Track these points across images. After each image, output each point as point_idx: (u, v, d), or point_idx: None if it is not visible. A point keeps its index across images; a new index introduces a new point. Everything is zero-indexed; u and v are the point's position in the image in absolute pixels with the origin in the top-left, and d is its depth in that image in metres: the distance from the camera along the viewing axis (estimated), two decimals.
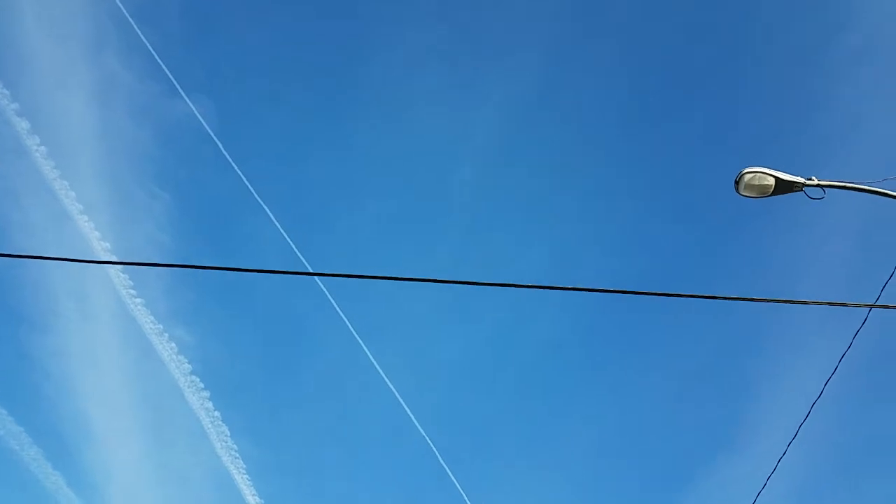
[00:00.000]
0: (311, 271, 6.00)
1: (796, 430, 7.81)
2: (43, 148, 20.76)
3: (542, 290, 4.45)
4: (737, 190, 6.57)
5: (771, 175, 6.46)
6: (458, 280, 4.86)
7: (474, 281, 4.79)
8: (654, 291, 4.50)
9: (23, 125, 20.39)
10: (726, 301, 4.79)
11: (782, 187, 6.51)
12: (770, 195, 6.54)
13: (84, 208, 21.88)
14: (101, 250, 22.20)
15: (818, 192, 6.53)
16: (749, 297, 4.95)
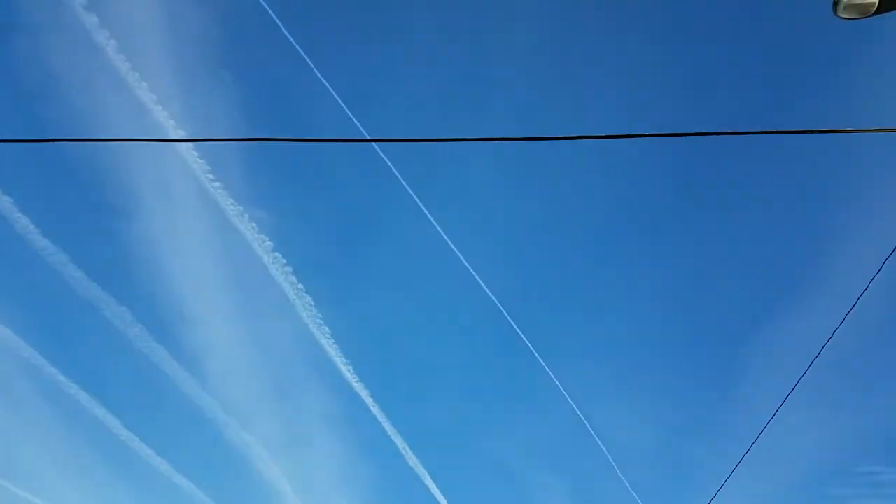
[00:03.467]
0: (371, 138, 5.99)
1: (875, 272, 7.52)
2: (113, 42, 21.09)
3: (608, 140, 4.31)
4: (835, 12, 5.98)
5: None
6: (517, 137, 4.74)
7: (534, 137, 4.66)
8: (731, 131, 4.28)
9: (92, 20, 20.66)
10: (811, 136, 4.50)
11: (887, 4, 5.87)
12: (873, 14, 5.93)
13: (158, 99, 22.39)
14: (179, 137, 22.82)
15: None
16: (836, 128, 4.62)
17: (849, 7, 5.92)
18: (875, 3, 5.87)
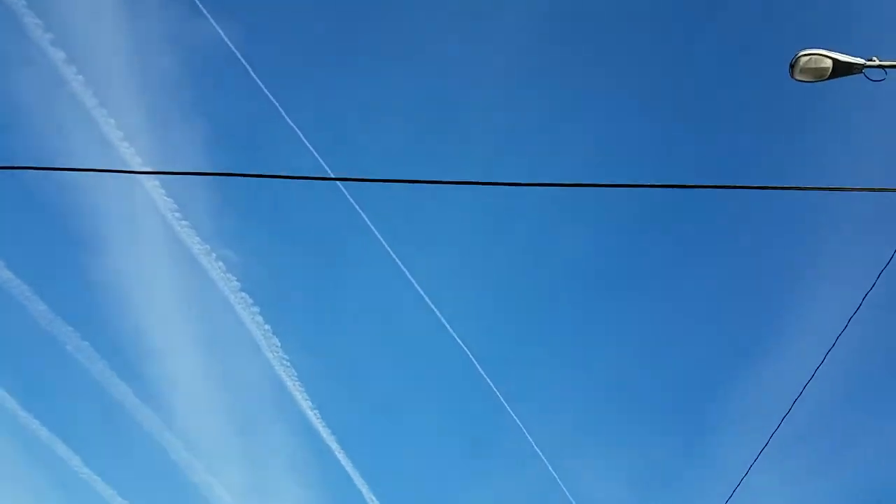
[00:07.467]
0: (336, 176, 5.97)
1: (840, 331, 7.62)
2: (80, 77, 20.98)
3: (578, 188, 4.33)
4: (791, 75, 6.21)
5: (828, 57, 6.07)
6: (489, 182, 4.75)
7: (504, 182, 4.68)
8: (699, 184, 4.35)
9: (59, 55, 20.56)
10: (776, 192, 4.59)
11: (840, 70, 6.11)
12: (827, 79, 6.17)
13: (124, 136, 22.27)
14: (145, 177, 22.61)
15: (879, 74, 6.13)
16: (798, 185, 4.74)
17: (804, 71, 6.16)
18: (829, 68, 6.12)
